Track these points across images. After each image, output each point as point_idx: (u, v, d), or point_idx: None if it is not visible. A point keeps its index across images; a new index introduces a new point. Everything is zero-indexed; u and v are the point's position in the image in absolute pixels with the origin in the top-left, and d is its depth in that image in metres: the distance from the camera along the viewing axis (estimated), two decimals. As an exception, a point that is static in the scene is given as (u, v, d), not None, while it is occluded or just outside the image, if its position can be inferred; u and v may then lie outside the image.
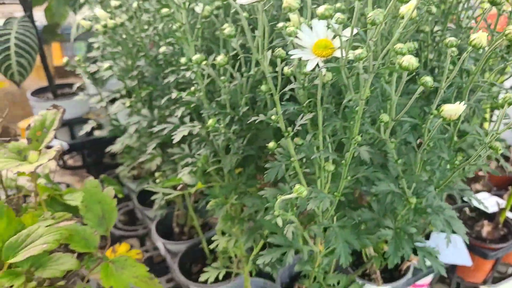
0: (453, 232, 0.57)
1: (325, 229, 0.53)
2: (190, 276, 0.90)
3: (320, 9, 0.37)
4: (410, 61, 0.38)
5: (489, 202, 1.06)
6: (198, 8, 0.56)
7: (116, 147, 0.95)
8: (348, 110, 0.51)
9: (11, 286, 0.52)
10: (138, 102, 0.86)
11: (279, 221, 0.46)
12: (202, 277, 0.72)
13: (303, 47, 0.44)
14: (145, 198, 1.16)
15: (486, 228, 1.01)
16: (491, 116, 0.89)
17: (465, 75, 0.53)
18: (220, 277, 0.71)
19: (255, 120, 0.60)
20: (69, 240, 0.56)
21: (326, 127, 0.50)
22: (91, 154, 1.64)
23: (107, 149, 1.04)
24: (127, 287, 0.55)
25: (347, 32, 0.40)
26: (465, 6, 0.65)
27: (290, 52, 0.43)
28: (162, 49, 0.70)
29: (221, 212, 0.65)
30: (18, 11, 1.90)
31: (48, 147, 0.65)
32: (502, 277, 1.15)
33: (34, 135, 0.64)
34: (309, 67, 0.42)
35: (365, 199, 0.75)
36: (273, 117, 0.48)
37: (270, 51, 0.47)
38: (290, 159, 0.51)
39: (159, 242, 0.99)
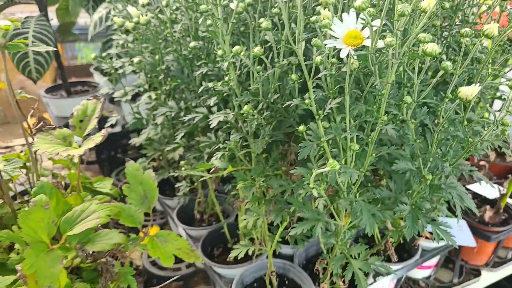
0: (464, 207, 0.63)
1: (350, 204, 0.59)
2: (212, 259, 0.95)
3: (358, 2, 0.43)
4: (433, 48, 0.44)
5: (489, 189, 1.13)
6: (233, 5, 0.62)
7: (141, 138, 1.01)
8: (371, 95, 0.57)
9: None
10: (163, 95, 0.92)
11: (315, 193, 0.52)
12: (233, 254, 0.77)
13: (336, 37, 0.50)
14: (163, 189, 1.21)
15: (488, 213, 1.07)
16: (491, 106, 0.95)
17: (476, 63, 0.59)
18: (250, 252, 0.76)
19: (282, 108, 0.66)
20: (118, 216, 0.62)
21: (352, 110, 0.56)
22: (104, 149, 1.69)
23: (131, 141, 1.09)
24: (171, 257, 0.60)
25: (376, 23, 0.46)
26: (472, 3, 0.71)
27: (325, 42, 0.49)
28: (192, 43, 0.75)
29: (250, 194, 0.71)
30: (26, 12, 1.95)
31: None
32: (503, 262, 1.22)
33: (77, 122, 0.70)
34: (342, 55, 0.48)
35: (376, 181, 0.81)
36: (306, 101, 0.54)
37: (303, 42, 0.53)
38: (320, 139, 0.56)
39: (180, 228, 1.05)
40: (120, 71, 1.03)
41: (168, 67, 0.88)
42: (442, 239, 0.64)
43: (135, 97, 1.15)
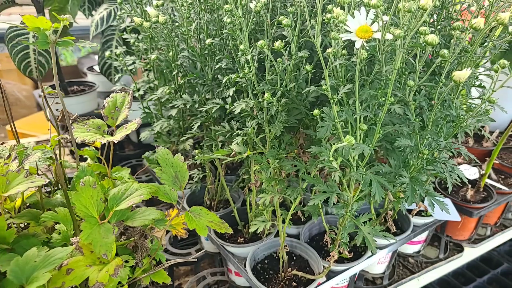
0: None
1: (361, 176, 0.68)
2: (224, 240, 1.03)
3: (373, 1, 0.52)
4: (433, 38, 0.54)
5: (470, 171, 1.25)
6: (252, 4, 0.70)
7: (155, 130, 1.07)
8: (376, 82, 0.67)
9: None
10: (176, 89, 0.99)
11: (335, 164, 0.61)
12: (252, 228, 0.85)
13: (350, 31, 0.59)
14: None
15: (469, 192, 1.18)
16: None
17: (463, 53, 0.69)
18: (267, 227, 0.84)
19: (295, 96, 0.75)
20: (156, 193, 0.69)
21: (361, 95, 0.65)
22: (101, 148, 1.74)
23: (141, 136, 1.16)
24: (205, 228, 0.67)
25: (385, 18, 0.55)
26: (455, 1, 0.82)
27: (341, 35, 0.58)
28: (209, 40, 0.83)
29: (267, 174, 0.79)
30: (24, 14, 1.98)
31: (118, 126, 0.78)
32: (483, 238, 1.34)
33: (109, 113, 0.77)
34: (357, 46, 0.57)
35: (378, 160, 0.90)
36: (323, 86, 0.63)
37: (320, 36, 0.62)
38: (334, 120, 0.65)
39: (191, 215, 1.12)
40: (131, 67, 1.09)
41: (182, 63, 0.95)
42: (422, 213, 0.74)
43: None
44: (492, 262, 2.11)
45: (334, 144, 0.60)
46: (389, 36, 0.57)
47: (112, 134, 0.75)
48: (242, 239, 1.03)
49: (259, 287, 0.86)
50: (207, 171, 1.06)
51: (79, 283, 0.59)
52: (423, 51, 0.58)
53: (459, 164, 1.35)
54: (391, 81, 0.59)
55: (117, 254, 0.76)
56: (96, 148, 0.99)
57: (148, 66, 1.11)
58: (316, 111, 0.69)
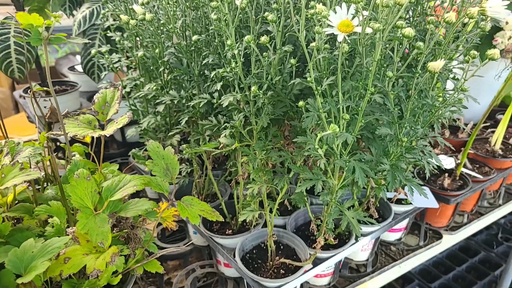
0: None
1: (345, 163, 0.72)
2: (213, 233, 1.06)
3: (354, -4, 0.56)
4: (410, 31, 0.58)
5: (447, 161, 1.30)
6: (238, 1, 0.73)
7: (142, 126, 1.09)
8: (357, 74, 0.71)
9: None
10: (163, 86, 1.01)
11: (320, 152, 0.64)
12: (241, 217, 0.88)
13: (332, 26, 0.62)
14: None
15: (446, 181, 1.24)
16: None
17: (437, 47, 0.73)
18: (256, 216, 0.87)
19: (280, 89, 0.78)
20: (149, 185, 0.71)
21: (344, 86, 0.69)
22: (91, 144, 1.74)
23: (127, 134, 1.17)
24: (197, 217, 0.70)
25: (365, 13, 0.59)
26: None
27: (324, 29, 0.62)
28: (195, 37, 0.86)
29: (255, 165, 0.82)
30: (3, 14, 1.96)
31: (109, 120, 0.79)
32: (460, 226, 1.40)
33: (99, 108, 0.78)
34: (339, 39, 0.60)
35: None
36: (308, 78, 0.66)
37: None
38: (319, 111, 0.69)
39: (179, 210, 1.14)
40: (117, 65, 1.11)
41: (168, 60, 0.97)
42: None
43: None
44: (470, 251, 2.20)
45: (318, 133, 0.63)
46: (369, 30, 0.61)
47: (103, 129, 0.77)
48: (230, 230, 1.06)
49: (249, 275, 0.89)
50: (195, 165, 1.08)
51: (77, 271, 0.61)
52: (400, 44, 0.62)
53: (437, 155, 1.41)
54: (372, 72, 0.63)
55: (110, 246, 0.78)
56: (85, 145, 1.00)
57: (133, 64, 1.12)
58: (301, 103, 0.72)
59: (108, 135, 0.72)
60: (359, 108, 0.66)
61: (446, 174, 1.24)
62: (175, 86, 1.03)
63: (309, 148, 0.67)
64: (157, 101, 1.00)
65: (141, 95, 1.02)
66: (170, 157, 0.75)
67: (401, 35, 0.59)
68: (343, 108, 0.70)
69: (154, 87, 1.01)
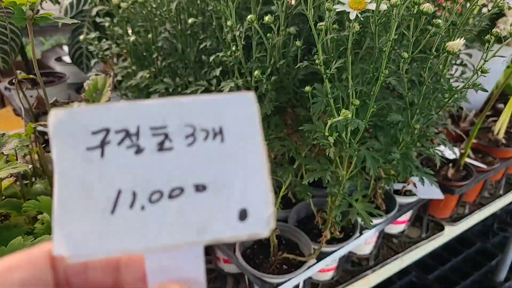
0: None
1: (355, 151, 0.67)
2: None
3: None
4: (428, 7, 0.54)
5: (450, 151, 1.27)
6: (238, -20, 0.68)
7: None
8: (367, 56, 0.66)
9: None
10: (156, 73, 0.96)
11: (331, 140, 0.60)
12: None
13: (343, 3, 0.58)
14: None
15: (450, 171, 1.20)
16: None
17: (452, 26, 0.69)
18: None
19: (285, 75, 0.74)
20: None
21: (353, 70, 0.64)
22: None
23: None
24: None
25: (380, -11, 0.54)
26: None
27: (335, 7, 0.57)
28: (191, 20, 0.80)
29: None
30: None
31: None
32: (461, 217, 1.37)
33: (90, 96, 0.73)
34: (351, 17, 0.56)
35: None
36: (317, 61, 0.61)
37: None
38: (327, 96, 0.64)
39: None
40: (107, 52, 1.05)
41: (162, 45, 0.92)
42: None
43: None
44: (466, 242, 2.18)
45: (326, 121, 0.58)
46: (383, 7, 0.56)
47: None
48: (229, 225, 1.01)
49: (251, 272, 0.85)
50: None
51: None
52: (418, 23, 0.57)
53: (439, 145, 1.38)
54: (386, 53, 0.58)
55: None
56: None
57: (125, 51, 1.06)
58: (307, 88, 0.67)
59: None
60: (371, 93, 0.62)
61: (450, 164, 1.21)
62: (169, 73, 0.98)
63: (317, 137, 0.63)
64: (150, 89, 0.95)
65: (133, 84, 0.97)
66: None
67: (419, 11, 0.54)
68: (352, 93, 0.65)
69: (148, 75, 0.96)
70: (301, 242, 0.95)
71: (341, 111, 0.57)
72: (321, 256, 0.92)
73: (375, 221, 0.98)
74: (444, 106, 0.68)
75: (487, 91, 0.61)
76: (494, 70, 1.40)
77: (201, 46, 0.79)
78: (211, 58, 0.75)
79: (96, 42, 1.01)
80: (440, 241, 1.34)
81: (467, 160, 1.24)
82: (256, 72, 0.68)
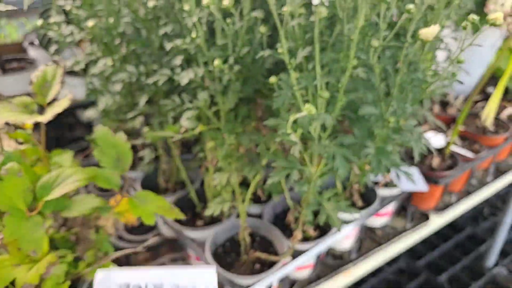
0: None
1: (323, 148, 0.62)
2: (182, 224, 0.96)
3: None
4: (399, -11, 0.48)
5: (436, 138, 1.22)
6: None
7: (98, 109, 0.97)
8: (338, 44, 0.60)
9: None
10: (119, 61, 0.89)
11: (293, 137, 0.54)
12: (208, 212, 0.78)
13: (306, -15, 0.52)
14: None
15: (435, 160, 1.16)
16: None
17: (429, 12, 0.63)
18: (225, 209, 0.78)
19: (250, 63, 0.68)
20: (95, 179, 0.60)
21: (322, 59, 0.58)
22: (48, 129, 1.61)
23: (85, 114, 1.06)
24: (152, 215, 0.60)
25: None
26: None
27: (296, -11, 0.51)
28: (151, 3, 0.74)
29: (222, 151, 0.72)
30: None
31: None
32: (448, 206, 1.33)
33: (38, 89, 0.67)
34: (314, 1, 0.50)
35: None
36: (279, 50, 0.56)
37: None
38: (292, 88, 0.58)
39: (146, 199, 1.04)
40: (69, 39, 0.98)
41: (124, 31, 0.85)
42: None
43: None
44: (456, 227, 2.16)
45: (292, 115, 0.53)
46: (350, -10, 0.50)
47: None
48: (202, 221, 0.97)
49: (221, 273, 0.80)
50: (160, 151, 0.98)
51: (5, 286, 0.51)
52: (388, 9, 0.51)
53: (425, 131, 1.33)
54: (354, 42, 0.52)
55: (56, 248, 0.68)
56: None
57: (91, 36, 0.99)
58: (272, 79, 0.62)
59: (45, 121, 0.61)
60: (339, 85, 0.56)
61: (435, 153, 1.16)
62: (135, 61, 0.92)
63: (281, 133, 0.57)
64: (113, 78, 0.88)
65: (97, 72, 0.90)
66: (121, 145, 0.64)
67: (388, -5, 0.48)
68: (321, 85, 0.60)
69: (110, 63, 0.89)
70: (275, 239, 0.90)
71: (305, 106, 0.52)
72: (295, 254, 0.87)
73: (353, 216, 0.93)
74: (420, 98, 0.62)
75: (462, 83, 0.56)
76: (484, 53, 1.34)
77: (161, 32, 0.72)
78: (169, 46, 0.68)
79: (56, 27, 0.94)
80: (426, 231, 1.31)
81: (454, 148, 1.20)
82: (216, 62, 0.62)
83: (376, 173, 0.65)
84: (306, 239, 0.87)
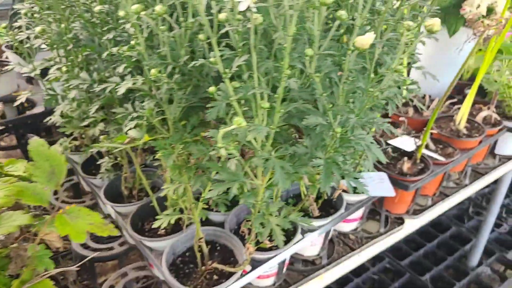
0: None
1: (263, 161, 0.60)
2: (143, 234, 0.94)
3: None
4: (327, -3, 0.45)
5: (409, 142, 1.20)
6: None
7: (55, 116, 0.95)
8: (279, 52, 0.58)
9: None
10: (75, 67, 0.87)
11: (223, 152, 0.52)
12: (155, 224, 0.76)
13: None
14: (90, 168, 1.16)
15: (406, 165, 1.13)
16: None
17: (376, 16, 0.61)
18: (172, 221, 0.75)
19: (196, 72, 0.65)
20: (20, 196, 0.58)
21: (260, 68, 0.56)
22: (25, 133, 1.59)
23: (46, 120, 1.03)
24: (83, 233, 0.58)
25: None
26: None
27: (223, -4, 0.48)
28: (98, 7, 0.71)
29: (170, 162, 0.69)
30: None
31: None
32: (423, 209, 1.31)
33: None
34: (241, 8, 0.47)
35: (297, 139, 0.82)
36: (211, 59, 0.53)
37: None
38: (229, 98, 0.56)
39: (109, 207, 1.02)
40: (27, 44, 0.95)
41: (77, 36, 0.83)
42: (356, 191, 0.67)
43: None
44: (441, 226, 2.14)
45: (222, 129, 0.50)
46: (279, -3, 0.48)
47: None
48: (164, 230, 0.94)
49: (175, 285, 0.78)
50: (121, 158, 0.96)
51: None
52: (319, 14, 0.49)
53: (399, 135, 1.30)
54: (287, 50, 0.50)
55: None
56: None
57: (49, 41, 0.97)
58: (212, 88, 0.59)
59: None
60: (276, 95, 0.54)
61: (406, 158, 1.14)
62: (92, 67, 0.89)
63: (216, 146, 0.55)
64: (69, 85, 0.86)
65: (51, 78, 0.88)
66: (56, 158, 0.62)
67: (318, 2, 0.46)
68: (261, 95, 0.57)
69: (66, 69, 0.87)
70: (236, 249, 0.88)
71: (235, 119, 0.49)
72: (255, 264, 0.85)
73: (317, 223, 0.91)
74: (364, 108, 0.60)
75: (406, 99, 0.53)
76: (460, 54, 1.31)
77: (105, 38, 0.70)
78: (107, 53, 0.66)
79: (10, 33, 0.91)
80: (401, 234, 1.28)
81: (425, 152, 1.17)
82: (153, 71, 0.59)
83: (324, 185, 0.63)
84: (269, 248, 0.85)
